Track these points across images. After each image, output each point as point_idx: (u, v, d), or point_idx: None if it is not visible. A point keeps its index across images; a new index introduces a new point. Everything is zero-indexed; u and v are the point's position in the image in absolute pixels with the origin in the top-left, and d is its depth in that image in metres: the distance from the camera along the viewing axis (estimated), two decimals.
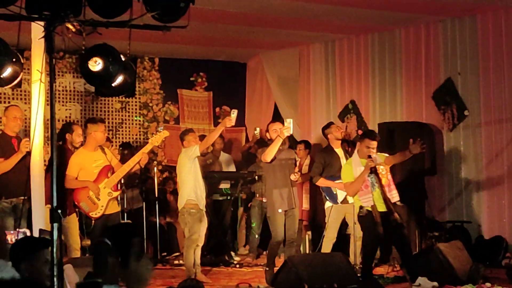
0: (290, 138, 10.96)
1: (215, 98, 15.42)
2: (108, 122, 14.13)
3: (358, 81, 13.58)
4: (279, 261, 9.86)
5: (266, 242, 10.91)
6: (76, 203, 9.33)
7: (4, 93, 13.10)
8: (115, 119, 14.34)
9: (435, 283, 8.75)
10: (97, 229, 9.37)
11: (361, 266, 9.55)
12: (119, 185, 9.68)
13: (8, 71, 7.00)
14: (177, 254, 12.65)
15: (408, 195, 11.28)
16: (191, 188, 10.00)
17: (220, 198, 13.01)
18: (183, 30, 6.54)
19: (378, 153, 9.56)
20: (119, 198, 9.79)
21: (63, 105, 13.71)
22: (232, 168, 13.69)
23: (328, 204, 10.73)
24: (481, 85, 11.90)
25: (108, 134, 13.46)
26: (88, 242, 9.61)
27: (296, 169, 9.80)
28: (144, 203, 12.57)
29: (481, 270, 9.23)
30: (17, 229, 8.06)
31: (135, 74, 7.68)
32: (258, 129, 13.68)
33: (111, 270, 4.01)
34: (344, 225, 10.66)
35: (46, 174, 8.52)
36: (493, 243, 11.22)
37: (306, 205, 11.89)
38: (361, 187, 9.13)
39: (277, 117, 13.07)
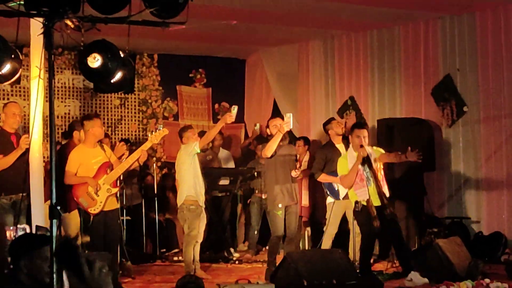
0: (290, 134, 10.97)
1: (214, 94, 15.41)
2: (107, 119, 14.13)
3: (357, 77, 13.58)
4: (278, 257, 9.86)
5: (266, 238, 10.93)
6: (75, 198, 9.33)
7: (3, 90, 13.09)
8: (114, 115, 14.34)
9: (426, 280, 8.75)
10: (96, 225, 9.37)
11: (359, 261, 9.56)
12: (118, 182, 9.67)
13: (7, 68, 7.01)
14: (176, 250, 12.65)
15: (407, 191, 11.33)
16: (190, 185, 10.00)
17: (219, 195, 13.01)
18: (182, 26, 6.54)
19: (374, 147, 9.57)
20: (118, 195, 9.78)
21: (62, 102, 13.70)
22: (231, 165, 13.69)
23: (329, 200, 10.73)
24: (480, 82, 11.91)
25: (107, 130, 13.48)
26: (87, 238, 9.60)
27: (297, 165, 9.78)
28: (143, 199, 12.58)
29: (480, 266, 9.24)
30: (16, 226, 8.05)
31: (134, 71, 7.68)
32: (258, 124, 13.68)
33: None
34: (344, 221, 10.66)
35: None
36: (492, 239, 11.23)
37: (305, 202, 11.89)
38: (357, 180, 9.12)
39: (277, 114, 13.07)
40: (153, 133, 9.89)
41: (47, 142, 9.65)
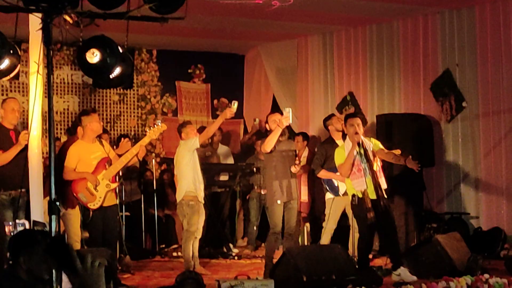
0: (289, 130, 10.95)
1: (213, 90, 15.41)
2: (106, 114, 14.13)
3: (356, 72, 13.58)
4: (277, 253, 9.85)
5: (265, 234, 10.92)
6: (74, 194, 9.32)
7: (2, 85, 13.09)
8: (113, 111, 14.33)
9: (414, 277, 8.74)
10: (95, 220, 9.37)
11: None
12: (117, 177, 9.67)
13: (5, 63, 6.98)
14: (176, 246, 12.66)
15: (406, 186, 11.33)
16: (190, 180, 9.99)
17: (219, 190, 13.02)
18: (181, 22, 6.54)
19: (372, 139, 9.56)
20: (117, 190, 9.78)
21: (61, 97, 13.70)
22: (230, 160, 13.70)
23: (328, 196, 10.73)
24: (479, 77, 11.91)
25: (106, 126, 13.47)
26: (87, 234, 9.60)
27: (297, 161, 9.76)
28: (142, 195, 12.58)
29: (479, 261, 9.24)
30: (15, 221, 8.04)
31: (133, 66, 7.64)
32: (257, 119, 13.69)
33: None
34: (343, 216, 10.65)
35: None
36: (491, 235, 11.25)
37: (304, 197, 11.88)
38: (354, 170, 9.11)
39: (276, 109, 13.07)
40: (152, 128, 9.87)
41: (46, 138, 9.65)
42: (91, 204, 9.32)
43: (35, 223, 7.91)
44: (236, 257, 11.83)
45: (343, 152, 9.35)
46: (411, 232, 11.38)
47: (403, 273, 8.90)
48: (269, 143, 9.40)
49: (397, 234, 9.37)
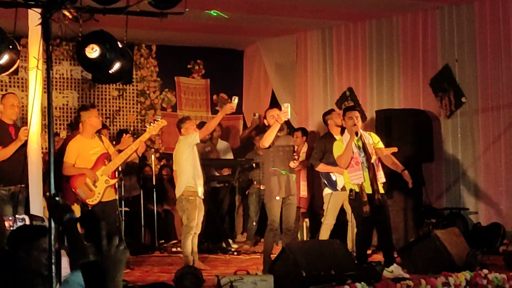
0: (288, 125, 10.94)
1: (213, 85, 15.41)
2: (105, 110, 14.13)
3: (356, 68, 13.58)
4: (276, 249, 9.86)
5: (264, 229, 10.92)
6: (73, 189, 9.32)
7: (1, 81, 13.09)
8: (112, 106, 14.33)
9: (407, 275, 8.73)
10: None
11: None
12: (116, 173, 9.67)
13: (4, 59, 6.97)
14: (175, 241, 12.67)
15: (405, 182, 11.31)
16: (190, 175, 9.99)
17: (218, 185, 13.02)
18: (180, 17, 6.53)
19: (372, 134, 9.56)
20: (116, 186, 9.78)
21: (60, 93, 13.69)
22: (230, 156, 13.70)
23: (326, 191, 10.73)
24: (478, 72, 11.91)
25: (105, 121, 13.47)
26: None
27: (295, 156, 9.74)
28: (141, 190, 12.59)
29: (479, 256, 9.25)
30: (15, 216, 8.05)
31: (132, 61, 7.64)
32: (257, 114, 13.70)
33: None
34: (341, 212, 10.66)
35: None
36: (490, 230, 11.24)
37: (303, 193, 11.90)
38: (352, 163, 9.11)
39: (275, 104, 13.07)
40: (152, 124, 9.87)
41: (46, 133, 9.65)
42: (89, 200, 9.33)
43: (33, 217, 7.92)
44: (235, 253, 11.84)
45: (341, 144, 9.35)
46: (410, 227, 11.38)
47: (396, 270, 8.90)
48: (267, 139, 9.39)
49: (391, 231, 9.35)
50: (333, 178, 10.61)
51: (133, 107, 14.56)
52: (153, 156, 13.28)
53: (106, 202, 9.40)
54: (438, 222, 11.50)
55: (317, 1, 11.87)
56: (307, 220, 12.07)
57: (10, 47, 6.96)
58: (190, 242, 9.99)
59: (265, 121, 9.65)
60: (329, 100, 13.92)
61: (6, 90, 12.75)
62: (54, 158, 5.58)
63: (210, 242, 12.14)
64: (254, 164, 12.46)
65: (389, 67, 13.11)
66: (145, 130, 9.79)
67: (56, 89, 13.47)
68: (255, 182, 12.72)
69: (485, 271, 8.59)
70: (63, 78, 13.79)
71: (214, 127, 10.92)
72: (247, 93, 15.46)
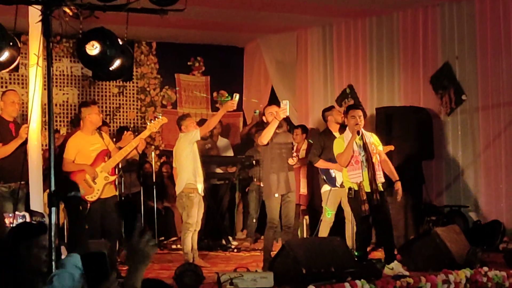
0: (288, 123, 10.94)
1: (213, 82, 15.40)
2: (106, 107, 14.12)
3: (356, 65, 13.58)
4: (276, 246, 9.86)
5: (264, 226, 10.92)
6: None
7: (1, 78, 13.07)
8: (113, 103, 14.33)
9: (407, 273, 8.73)
10: (93, 213, 9.36)
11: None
12: (116, 170, 9.66)
13: (5, 55, 6.98)
14: (175, 238, 12.67)
15: (405, 179, 11.31)
16: (190, 172, 9.97)
17: (218, 183, 13.02)
18: (181, 14, 6.53)
19: (374, 135, 9.55)
20: (116, 182, 9.77)
21: (60, 90, 13.69)
22: (230, 153, 13.70)
23: (324, 188, 10.73)
24: (478, 69, 11.91)
25: (106, 118, 13.46)
26: (86, 226, 9.59)
27: (294, 153, 9.73)
28: (141, 187, 12.58)
29: (479, 254, 9.24)
30: (15, 213, 8.05)
31: (132, 58, 7.63)
32: (257, 111, 13.69)
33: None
34: (340, 209, 10.66)
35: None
36: (490, 228, 11.25)
37: (303, 190, 11.90)
38: (352, 162, 9.11)
39: (275, 101, 13.08)
40: (152, 122, 9.87)
41: (46, 130, 9.66)
42: (88, 196, 9.31)
43: (33, 213, 7.92)
44: (235, 250, 11.84)
45: (342, 142, 9.34)
46: (410, 225, 11.38)
47: (396, 267, 8.91)
48: (266, 136, 9.36)
49: (392, 228, 9.35)
50: (332, 174, 10.61)
51: (133, 104, 14.56)
52: (153, 153, 13.28)
53: (106, 199, 9.39)
54: (438, 219, 11.50)
55: None
56: (307, 217, 12.06)
57: (11, 44, 6.97)
58: (190, 239, 9.99)
59: (264, 118, 9.64)
60: (329, 97, 13.92)
61: (6, 87, 12.74)
62: (55, 154, 5.58)
63: (210, 239, 12.14)
64: (254, 161, 12.45)
65: (389, 64, 13.10)
66: (145, 127, 9.78)
67: (56, 86, 13.46)
68: (255, 179, 12.71)
69: (485, 268, 8.59)
70: (63, 75, 13.78)
71: (215, 125, 10.90)
72: (248, 90, 15.45)
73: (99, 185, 9.30)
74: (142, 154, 11.81)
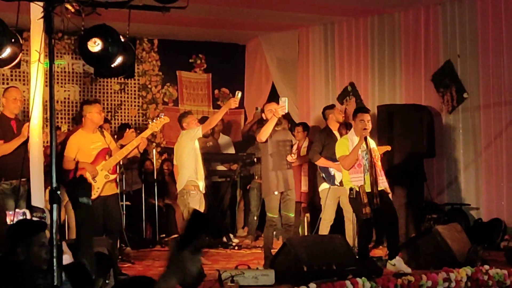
0: (289, 120, 10.93)
1: (214, 80, 15.39)
2: (107, 104, 14.12)
3: (357, 63, 13.57)
4: (277, 243, 9.86)
5: (265, 224, 10.93)
6: None
7: (3, 74, 13.07)
8: (114, 100, 14.32)
9: (409, 269, 8.73)
10: (94, 210, 9.35)
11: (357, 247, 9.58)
12: (117, 168, 9.66)
13: (7, 52, 6.99)
14: (176, 236, 12.65)
15: (407, 177, 11.33)
16: (191, 170, 9.97)
17: (219, 180, 13.02)
18: (183, 11, 6.53)
19: (371, 141, 9.54)
20: (117, 180, 9.77)
21: (61, 86, 13.68)
22: (232, 150, 13.69)
23: (323, 186, 10.73)
24: (480, 68, 11.90)
25: (107, 115, 13.46)
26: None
27: (294, 149, 9.70)
28: (143, 185, 12.58)
29: (480, 252, 9.25)
30: (16, 210, 8.05)
31: (134, 55, 7.64)
32: (259, 108, 13.68)
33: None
34: (339, 208, 10.65)
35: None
36: (491, 226, 11.25)
37: (304, 187, 11.90)
38: (354, 165, 9.11)
39: (275, 99, 13.08)
40: (154, 121, 9.87)
41: (47, 127, 9.66)
42: None
43: (34, 209, 7.92)
44: (236, 247, 11.85)
45: (346, 143, 9.31)
46: (411, 223, 11.38)
47: (398, 263, 8.91)
48: (264, 133, 9.36)
49: (397, 224, 9.36)
50: (331, 172, 10.61)
51: (134, 101, 14.55)
52: (154, 150, 13.29)
53: (107, 197, 9.39)
54: (439, 217, 11.51)
55: None
56: (308, 215, 12.07)
57: (13, 40, 6.98)
58: None
59: (263, 115, 9.63)
60: (330, 95, 13.92)
61: (7, 83, 12.73)
62: (56, 151, 5.58)
63: (211, 236, 12.14)
64: (255, 159, 12.45)
65: (391, 62, 13.10)
66: (146, 124, 9.78)
67: (57, 83, 13.45)
68: (256, 177, 12.72)
69: (486, 267, 8.60)
70: (65, 72, 13.77)
71: (217, 122, 10.90)
72: (249, 87, 15.44)
73: (99, 183, 9.30)
74: (143, 151, 11.82)
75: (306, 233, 11.88)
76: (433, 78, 12.42)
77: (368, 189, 8.98)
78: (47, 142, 9.76)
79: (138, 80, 14.53)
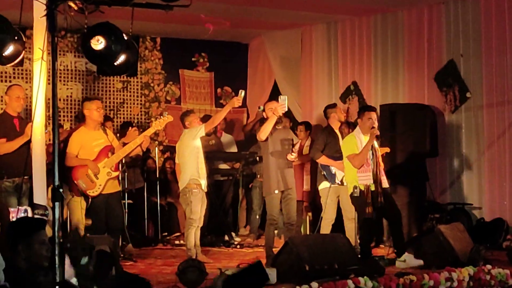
0: (291, 119, 10.91)
1: (217, 78, 15.39)
2: (110, 102, 14.12)
3: (360, 62, 13.57)
4: (279, 242, 9.86)
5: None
6: (73, 180, 9.30)
7: (6, 72, 13.07)
8: (117, 98, 14.32)
9: (421, 261, 8.74)
10: (96, 208, 9.38)
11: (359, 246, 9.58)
12: (120, 166, 9.66)
13: (10, 50, 6.98)
14: (178, 234, 12.68)
15: (409, 177, 11.33)
16: (194, 168, 9.97)
17: (221, 179, 13.02)
18: (186, 10, 6.52)
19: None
20: (120, 178, 9.77)
21: (64, 84, 13.69)
22: (234, 149, 13.69)
23: (323, 185, 10.71)
24: (483, 67, 11.90)
25: (109, 113, 13.47)
26: (89, 221, 9.61)
27: (295, 148, 9.69)
28: (145, 183, 12.59)
29: (482, 252, 9.23)
30: (18, 207, 8.06)
31: (137, 54, 7.63)
32: (262, 107, 13.66)
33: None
34: (338, 207, 10.64)
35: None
36: (494, 225, 11.24)
37: (306, 186, 11.89)
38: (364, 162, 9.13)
39: (277, 97, 13.06)
40: (157, 119, 9.88)
41: (49, 125, 9.66)
42: (90, 191, 9.33)
43: (36, 206, 7.92)
44: (238, 246, 11.84)
45: (355, 140, 9.33)
46: (413, 222, 11.38)
47: (409, 259, 8.92)
48: (264, 132, 9.36)
49: (401, 222, 9.37)
50: (332, 171, 10.60)
51: (137, 100, 14.55)
52: (156, 148, 13.29)
53: (110, 194, 9.40)
54: (442, 217, 11.50)
55: None
56: (310, 214, 12.06)
57: (16, 38, 6.96)
58: (193, 235, 9.98)
59: (264, 114, 9.63)
60: (333, 94, 13.92)
61: (10, 81, 12.74)
62: (59, 149, 5.58)
63: (213, 235, 12.14)
64: (258, 158, 12.44)
65: (394, 61, 13.09)
66: (148, 123, 9.78)
67: (60, 80, 13.46)
68: (258, 176, 12.71)
69: (489, 266, 8.58)
70: (67, 70, 13.77)
71: (220, 121, 10.89)
72: (252, 86, 15.44)
73: (101, 181, 9.31)
74: (145, 149, 11.83)
75: (308, 232, 11.88)
76: (436, 77, 12.41)
77: (372, 187, 8.99)
78: (49, 140, 9.78)
79: (141, 78, 14.53)
